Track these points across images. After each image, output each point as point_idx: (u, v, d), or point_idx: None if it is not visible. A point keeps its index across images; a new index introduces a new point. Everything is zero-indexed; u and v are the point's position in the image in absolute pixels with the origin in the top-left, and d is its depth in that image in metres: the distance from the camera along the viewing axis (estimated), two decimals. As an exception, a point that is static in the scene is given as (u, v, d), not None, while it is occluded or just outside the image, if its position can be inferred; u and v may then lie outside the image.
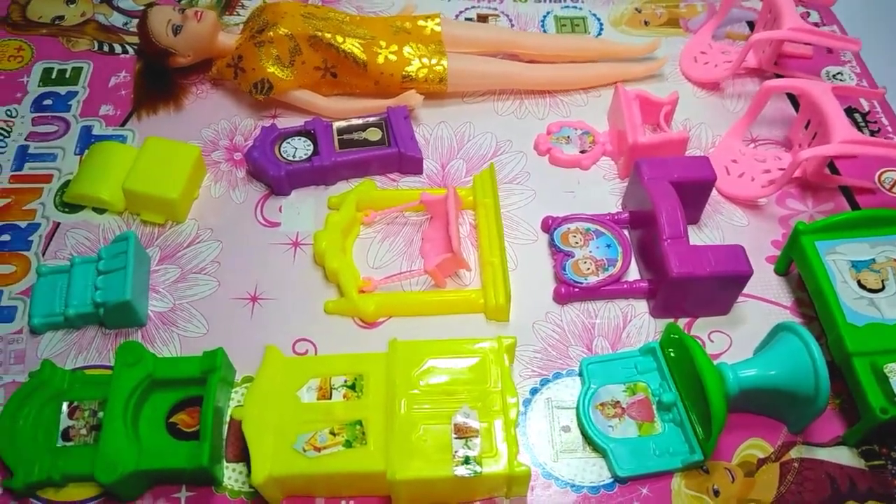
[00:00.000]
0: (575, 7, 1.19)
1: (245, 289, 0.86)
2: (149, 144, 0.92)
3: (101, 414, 0.73)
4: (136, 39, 1.09)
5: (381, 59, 1.00)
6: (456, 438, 0.67)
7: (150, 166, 0.89)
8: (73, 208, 0.91)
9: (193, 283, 0.86)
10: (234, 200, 0.93)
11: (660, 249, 0.78)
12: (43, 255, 0.87)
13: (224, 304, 0.84)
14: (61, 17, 1.11)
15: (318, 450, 0.67)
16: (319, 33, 0.98)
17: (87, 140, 0.98)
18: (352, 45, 0.99)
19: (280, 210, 0.93)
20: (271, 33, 0.97)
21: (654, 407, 0.73)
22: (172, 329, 0.82)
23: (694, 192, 0.86)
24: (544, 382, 0.78)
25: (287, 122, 1.00)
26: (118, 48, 1.08)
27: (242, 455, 0.72)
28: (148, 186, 0.88)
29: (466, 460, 0.66)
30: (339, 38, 0.99)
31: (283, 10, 1.01)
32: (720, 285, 0.78)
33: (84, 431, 0.73)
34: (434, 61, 1.01)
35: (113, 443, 0.68)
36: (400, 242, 0.90)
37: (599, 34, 1.15)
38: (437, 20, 1.05)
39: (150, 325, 0.82)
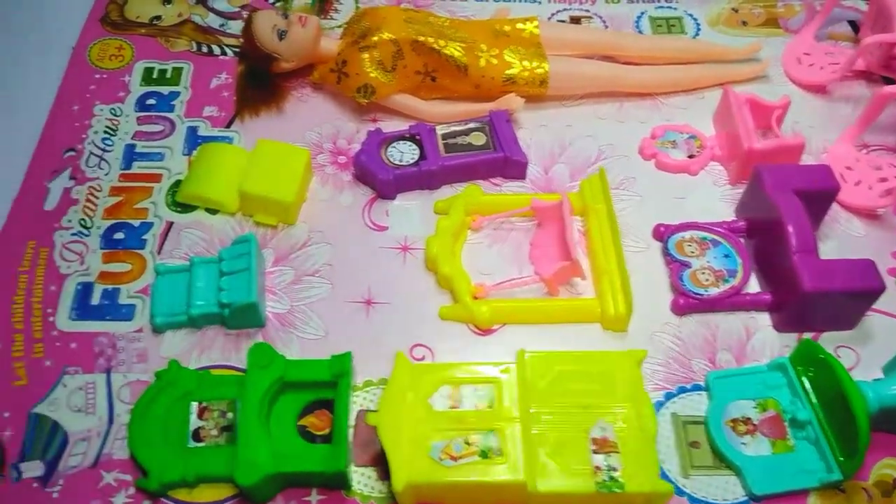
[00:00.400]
0: (669, 7, 1.17)
1: (358, 292, 0.86)
2: (261, 147, 0.92)
3: (230, 415, 0.75)
4: (233, 41, 1.10)
5: (482, 63, 0.99)
6: (595, 453, 0.66)
7: (264, 169, 0.90)
8: (185, 208, 0.92)
9: (308, 286, 0.86)
10: (342, 203, 0.94)
11: (788, 263, 0.77)
12: (158, 253, 0.88)
13: (339, 307, 0.85)
14: (158, 17, 1.12)
15: (455, 459, 0.67)
16: (422, 38, 0.98)
17: (194, 140, 0.99)
18: (454, 49, 0.98)
19: (387, 214, 0.93)
20: (375, 38, 0.97)
21: (785, 424, 0.72)
22: (291, 331, 0.82)
23: (815, 201, 0.83)
24: (669, 396, 0.77)
25: (386, 125, 0.99)
26: (216, 49, 1.09)
27: (371, 460, 0.73)
28: (264, 189, 0.88)
29: (609, 476, 0.65)
30: (442, 43, 0.98)
31: (384, 16, 1.01)
32: (851, 300, 0.77)
33: (214, 432, 0.74)
34: (535, 64, 1.00)
35: (251, 445, 0.69)
36: (508, 248, 0.90)
37: (697, 35, 1.12)
38: (536, 22, 1.04)
39: (269, 327, 0.83)
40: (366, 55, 0.97)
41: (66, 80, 1.04)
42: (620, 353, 0.73)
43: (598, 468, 0.66)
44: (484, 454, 0.67)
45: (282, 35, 0.99)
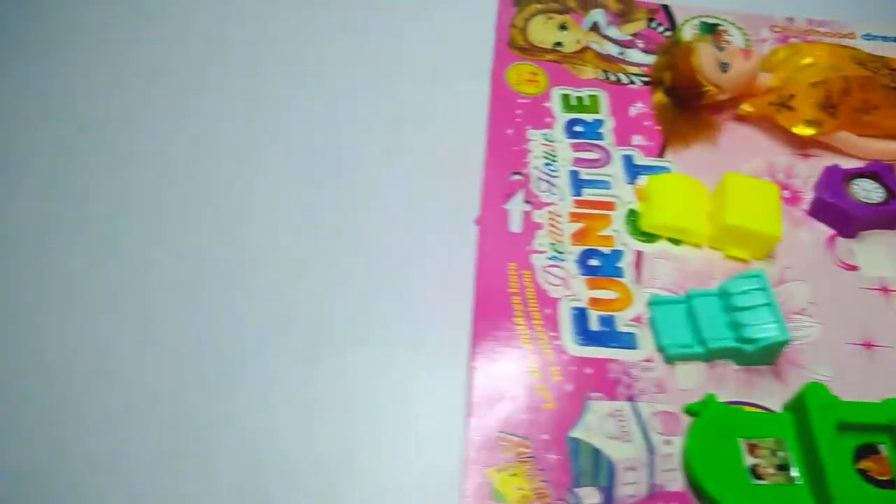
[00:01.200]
0: None
1: (852, 333, 0.84)
2: (729, 180, 0.92)
3: (780, 453, 0.74)
4: (635, 70, 1.11)
5: (931, 101, 0.98)
6: None
7: (742, 202, 0.89)
8: (647, 237, 0.92)
9: (799, 324, 0.85)
10: (799, 240, 0.93)
11: None
12: (639, 282, 0.88)
13: (838, 348, 0.83)
14: (559, 44, 1.15)
15: None
16: (875, 76, 0.97)
17: (632, 169, 0.99)
18: (905, 86, 0.97)
19: (851, 253, 0.92)
20: (831, 74, 0.97)
21: None
22: (800, 371, 0.82)
23: None
24: None
25: (817, 161, 0.98)
26: (623, 78, 1.10)
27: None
28: (751, 222, 0.88)
29: None
30: (893, 81, 0.97)
31: (824, 52, 1.01)
32: None
33: (771, 471, 0.73)
34: None
35: (844, 491, 0.69)
36: None
37: None
38: (970, 62, 1.02)
39: (777, 365, 0.82)
40: (815, 90, 0.97)
41: (493, 104, 1.07)
42: None
43: None
44: None
45: (724, 67, 1.00)
